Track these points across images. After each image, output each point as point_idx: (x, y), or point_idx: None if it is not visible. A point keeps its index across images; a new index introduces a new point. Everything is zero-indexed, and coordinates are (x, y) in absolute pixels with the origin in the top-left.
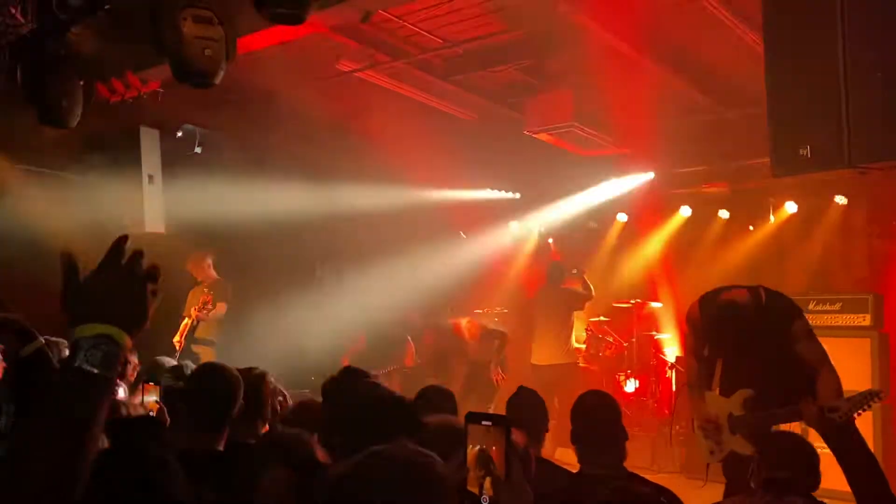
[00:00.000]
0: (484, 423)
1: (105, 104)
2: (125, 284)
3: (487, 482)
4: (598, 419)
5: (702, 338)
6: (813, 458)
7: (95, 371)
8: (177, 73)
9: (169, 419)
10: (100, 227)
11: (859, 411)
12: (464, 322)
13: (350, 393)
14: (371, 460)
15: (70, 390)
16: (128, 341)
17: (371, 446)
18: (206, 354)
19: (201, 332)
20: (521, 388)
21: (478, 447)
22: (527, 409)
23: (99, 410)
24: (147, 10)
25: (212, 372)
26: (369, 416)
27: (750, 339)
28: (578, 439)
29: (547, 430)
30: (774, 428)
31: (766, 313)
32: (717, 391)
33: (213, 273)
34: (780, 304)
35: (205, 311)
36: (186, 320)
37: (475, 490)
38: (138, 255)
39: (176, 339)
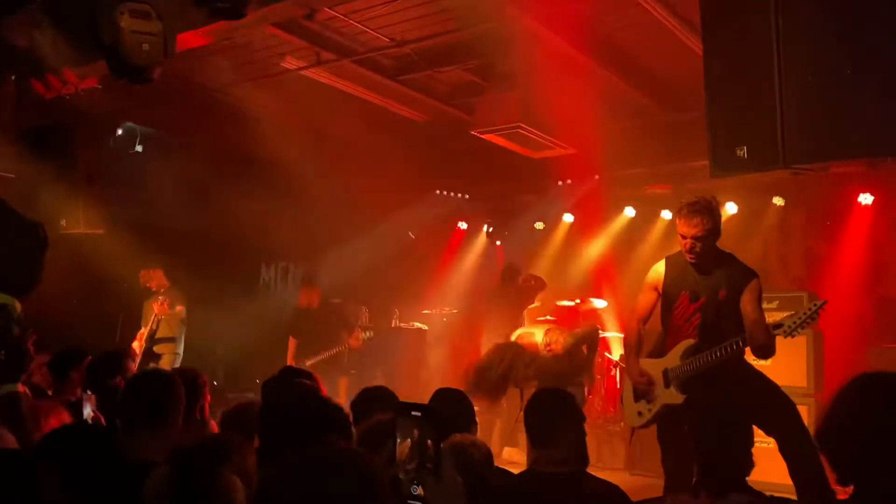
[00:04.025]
0: (413, 413)
1: (40, 101)
2: (25, 248)
3: (418, 474)
4: (553, 417)
5: (654, 298)
6: (747, 445)
7: None
8: (113, 68)
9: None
10: None
11: (804, 325)
12: (539, 336)
13: (285, 393)
14: (301, 459)
15: None
16: (19, 307)
17: (302, 445)
18: (167, 350)
19: (162, 331)
20: (438, 389)
21: (408, 439)
22: (450, 408)
23: None
24: (83, 3)
25: (148, 376)
26: (301, 415)
27: (707, 287)
28: (531, 437)
29: (475, 424)
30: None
31: (729, 268)
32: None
33: (165, 281)
34: (745, 266)
35: (165, 306)
36: (143, 329)
37: (406, 482)
38: (38, 224)
39: (135, 344)
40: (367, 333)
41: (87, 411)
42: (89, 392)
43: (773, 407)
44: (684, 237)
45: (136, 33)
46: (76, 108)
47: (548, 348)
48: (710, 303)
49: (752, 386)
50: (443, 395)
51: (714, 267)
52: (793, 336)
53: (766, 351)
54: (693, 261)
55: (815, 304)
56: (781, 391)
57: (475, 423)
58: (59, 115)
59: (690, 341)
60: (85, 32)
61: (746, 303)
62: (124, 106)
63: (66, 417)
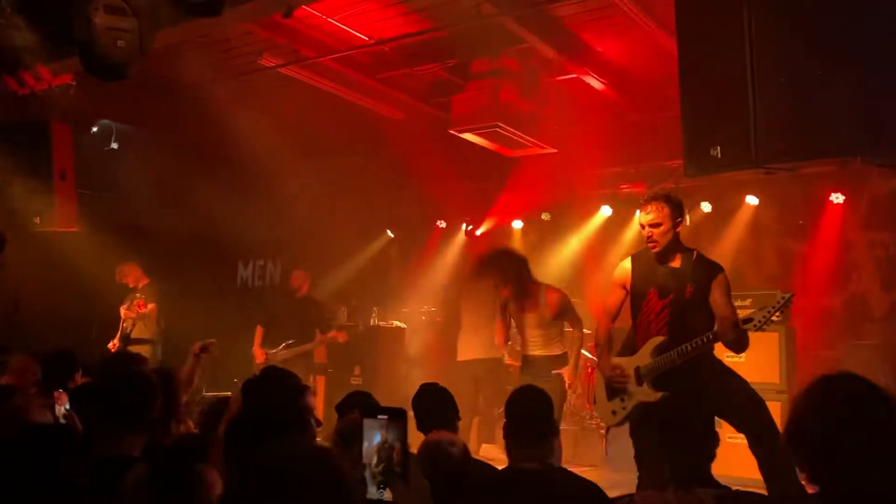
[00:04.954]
0: (380, 416)
1: (13, 97)
2: None
3: (385, 476)
4: (532, 414)
5: (622, 296)
6: (711, 440)
7: None
8: (87, 65)
9: (82, 426)
10: (9, 224)
11: (773, 317)
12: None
13: (266, 393)
14: (265, 458)
15: None
16: None
17: (271, 444)
18: (143, 351)
19: (138, 332)
20: (422, 385)
21: (375, 442)
22: (436, 405)
23: None
24: None
25: (124, 372)
26: (277, 416)
27: (674, 283)
28: (510, 434)
29: (459, 419)
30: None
31: (694, 263)
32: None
33: (143, 277)
34: (710, 261)
35: (133, 310)
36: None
37: (374, 484)
38: None
39: (110, 345)
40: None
41: (60, 410)
42: (61, 390)
43: (742, 404)
44: (643, 226)
45: (111, 30)
46: (50, 105)
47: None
48: (678, 300)
49: (723, 383)
50: (427, 389)
51: (678, 259)
52: (763, 330)
53: (737, 346)
54: (654, 250)
55: (782, 298)
56: (751, 388)
57: (459, 417)
58: (32, 111)
59: (660, 339)
60: (59, 28)
61: (716, 298)
62: (100, 103)
63: (48, 418)
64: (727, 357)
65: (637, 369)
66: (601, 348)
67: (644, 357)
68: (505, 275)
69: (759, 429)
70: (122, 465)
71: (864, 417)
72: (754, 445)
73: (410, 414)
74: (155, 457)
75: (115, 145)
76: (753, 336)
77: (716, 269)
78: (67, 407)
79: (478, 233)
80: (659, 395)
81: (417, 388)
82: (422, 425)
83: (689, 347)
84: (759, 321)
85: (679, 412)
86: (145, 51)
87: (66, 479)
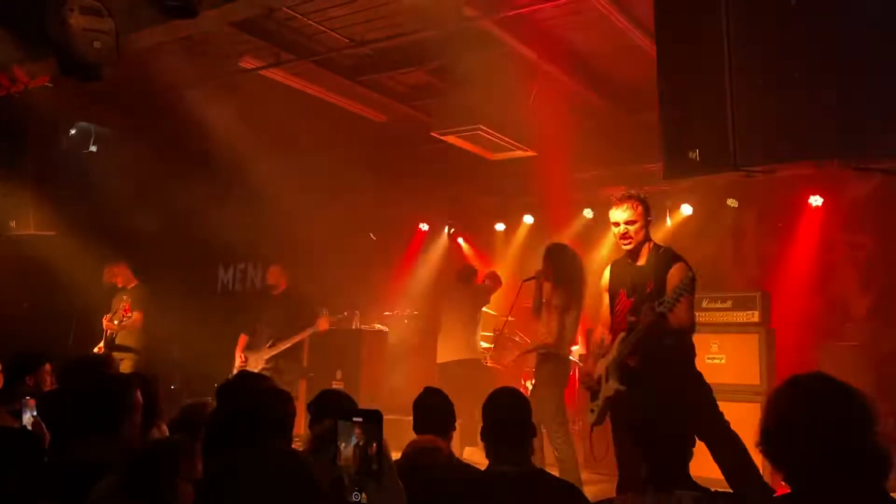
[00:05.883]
0: (355, 419)
1: None
2: None
3: (361, 478)
4: (509, 416)
5: (608, 301)
6: (688, 442)
7: None
8: (63, 66)
9: (50, 432)
10: None
11: (680, 298)
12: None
13: (238, 397)
14: (237, 460)
15: None
16: None
17: (245, 447)
18: (126, 362)
19: (122, 339)
20: (426, 388)
21: (352, 444)
22: (434, 409)
23: None
24: None
25: (91, 376)
26: (249, 419)
27: (640, 280)
28: (488, 436)
29: (454, 429)
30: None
31: (658, 261)
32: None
33: (133, 278)
34: (672, 255)
35: (116, 321)
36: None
37: (349, 486)
38: None
39: (96, 349)
40: (343, 314)
41: (27, 417)
42: (28, 398)
43: (703, 410)
44: (616, 224)
45: (87, 31)
46: (27, 107)
47: None
48: (640, 296)
49: (688, 388)
50: (431, 393)
51: (644, 257)
52: (671, 310)
53: (658, 329)
54: (627, 247)
55: (687, 278)
56: (712, 395)
57: (454, 427)
58: (8, 114)
59: (623, 334)
60: (34, 29)
61: (670, 275)
62: (78, 105)
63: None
64: (707, 358)
65: (608, 366)
66: (588, 353)
67: (612, 353)
68: (564, 276)
69: (718, 434)
70: (95, 472)
71: (833, 417)
72: (713, 452)
73: (391, 418)
74: (126, 465)
75: (93, 148)
76: (733, 337)
77: (673, 261)
78: (34, 413)
79: (459, 238)
80: (615, 388)
81: (399, 391)
82: (418, 427)
83: (627, 335)
84: (668, 301)
85: (650, 413)
86: (122, 52)
87: (27, 487)
